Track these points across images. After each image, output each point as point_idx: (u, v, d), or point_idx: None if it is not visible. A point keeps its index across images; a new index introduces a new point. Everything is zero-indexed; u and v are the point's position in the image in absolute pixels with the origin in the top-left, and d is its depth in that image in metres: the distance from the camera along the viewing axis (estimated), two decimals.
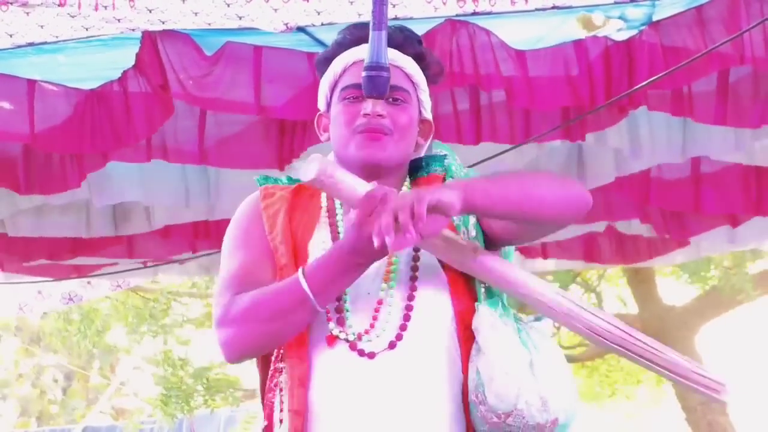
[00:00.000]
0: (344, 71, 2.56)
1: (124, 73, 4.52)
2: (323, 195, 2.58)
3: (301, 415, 2.38)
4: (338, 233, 2.50)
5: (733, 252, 9.05)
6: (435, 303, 2.45)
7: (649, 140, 5.22)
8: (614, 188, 5.68)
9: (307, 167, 2.30)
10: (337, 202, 2.56)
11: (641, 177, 5.66)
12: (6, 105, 4.52)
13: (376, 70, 2.46)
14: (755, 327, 15.33)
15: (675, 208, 6.03)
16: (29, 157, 4.97)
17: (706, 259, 9.45)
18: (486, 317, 2.42)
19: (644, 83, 4.39)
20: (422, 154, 2.64)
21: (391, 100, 2.51)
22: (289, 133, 4.90)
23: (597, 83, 4.49)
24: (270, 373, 2.50)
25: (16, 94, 4.50)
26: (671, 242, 6.80)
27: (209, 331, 12.86)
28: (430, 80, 2.61)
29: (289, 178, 2.67)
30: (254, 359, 2.56)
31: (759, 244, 6.97)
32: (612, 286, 12.49)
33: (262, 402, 2.52)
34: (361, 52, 2.53)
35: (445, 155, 2.62)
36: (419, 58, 2.58)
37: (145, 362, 15.12)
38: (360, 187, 2.34)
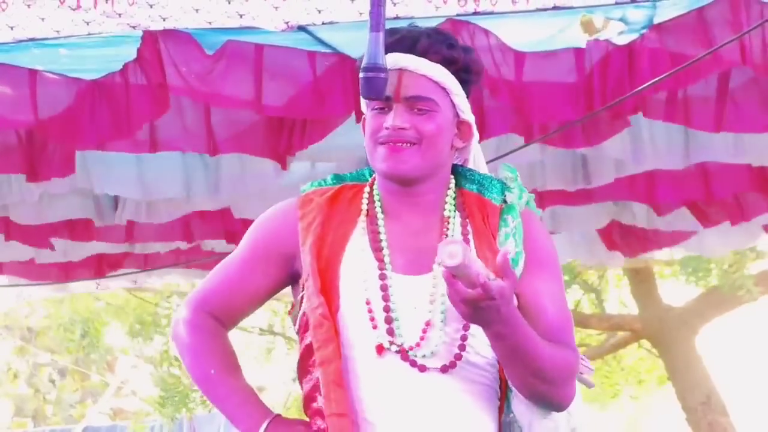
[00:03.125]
0: None
1: (126, 65, 4.50)
2: (364, 199, 2.54)
3: (345, 417, 2.38)
4: (380, 242, 2.48)
5: (733, 251, 9.04)
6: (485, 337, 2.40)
7: (650, 146, 5.21)
8: (617, 184, 5.70)
9: (452, 250, 2.20)
10: (378, 208, 2.53)
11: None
12: (8, 90, 4.50)
13: (374, 71, 2.41)
14: (755, 327, 15.32)
15: (679, 198, 6.00)
16: (29, 144, 4.95)
17: (706, 258, 9.44)
18: None
19: (643, 86, 4.37)
20: (470, 154, 2.59)
21: (416, 110, 2.46)
22: (288, 130, 4.89)
23: (598, 91, 4.47)
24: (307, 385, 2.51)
25: (18, 82, 4.49)
26: (673, 235, 6.80)
27: None
28: (470, 81, 2.54)
29: (335, 177, 2.62)
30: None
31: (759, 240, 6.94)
32: (612, 287, 12.48)
33: (306, 410, 2.52)
34: (391, 60, 2.45)
35: (505, 183, 2.55)
36: (449, 62, 2.50)
37: (143, 361, 15.12)
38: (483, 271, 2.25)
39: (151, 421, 14.36)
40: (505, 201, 2.52)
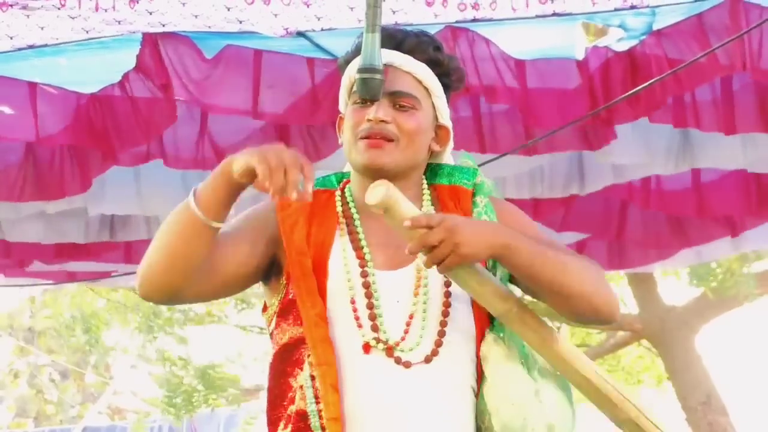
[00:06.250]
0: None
1: (125, 75, 4.51)
2: (338, 200, 2.57)
3: (338, 422, 2.38)
4: (359, 240, 2.50)
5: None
6: (463, 323, 2.46)
7: (649, 151, 5.21)
8: (615, 194, 5.68)
9: (376, 191, 2.28)
10: (353, 208, 2.55)
11: (642, 183, 5.65)
12: (6, 109, 4.51)
13: (370, 72, 2.44)
14: (755, 327, 15.34)
15: (677, 213, 6.01)
16: (28, 164, 4.95)
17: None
18: (492, 345, 2.46)
19: (634, 90, 4.37)
20: (443, 160, 2.62)
21: (398, 106, 2.50)
22: (294, 141, 4.88)
23: (597, 96, 4.47)
24: (283, 381, 2.49)
25: (18, 98, 4.49)
26: (671, 246, 6.78)
27: (210, 329, 12.87)
28: (452, 86, 2.59)
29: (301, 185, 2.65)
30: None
31: (761, 246, 6.95)
32: (613, 286, 12.48)
33: (273, 412, 2.50)
34: None
35: (476, 170, 2.60)
36: (434, 64, 2.54)
37: (142, 361, 15.12)
38: (413, 212, 2.32)
39: (151, 421, 14.37)
40: (475, 184, 2.57)
